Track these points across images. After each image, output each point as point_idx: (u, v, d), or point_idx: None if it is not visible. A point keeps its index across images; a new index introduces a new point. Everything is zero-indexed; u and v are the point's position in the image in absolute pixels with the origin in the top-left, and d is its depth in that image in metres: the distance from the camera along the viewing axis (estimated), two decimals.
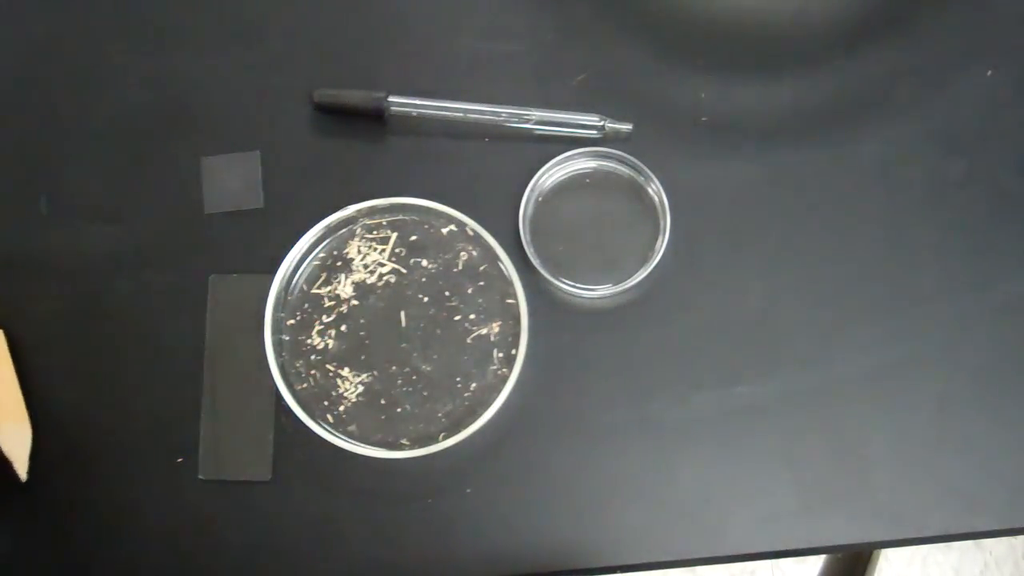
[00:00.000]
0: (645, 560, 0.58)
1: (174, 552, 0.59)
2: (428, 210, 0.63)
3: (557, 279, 0.62)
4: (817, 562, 1.14)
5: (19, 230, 0.65)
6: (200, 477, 0.60)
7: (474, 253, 0.63)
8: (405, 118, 0.65)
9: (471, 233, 0.63)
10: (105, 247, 0.65)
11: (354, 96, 0.65)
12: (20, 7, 0.70)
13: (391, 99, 0.65)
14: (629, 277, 0.62)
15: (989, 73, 0.67)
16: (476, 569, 0.58)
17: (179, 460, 0.61)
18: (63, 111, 0.68)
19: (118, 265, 0.64)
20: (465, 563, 0.59)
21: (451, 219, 0.63)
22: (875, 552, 1.09)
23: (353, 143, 0.66)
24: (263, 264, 0.63)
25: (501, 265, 0.62)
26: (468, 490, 0.60)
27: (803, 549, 0.58)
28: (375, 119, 0.65)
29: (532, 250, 0.62)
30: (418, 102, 0.65)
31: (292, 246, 0.62)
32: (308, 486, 0.60)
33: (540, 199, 0.65)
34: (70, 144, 0.67)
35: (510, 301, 0.62)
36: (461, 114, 0.65)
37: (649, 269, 0.62)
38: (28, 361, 0.62)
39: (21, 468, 0.60)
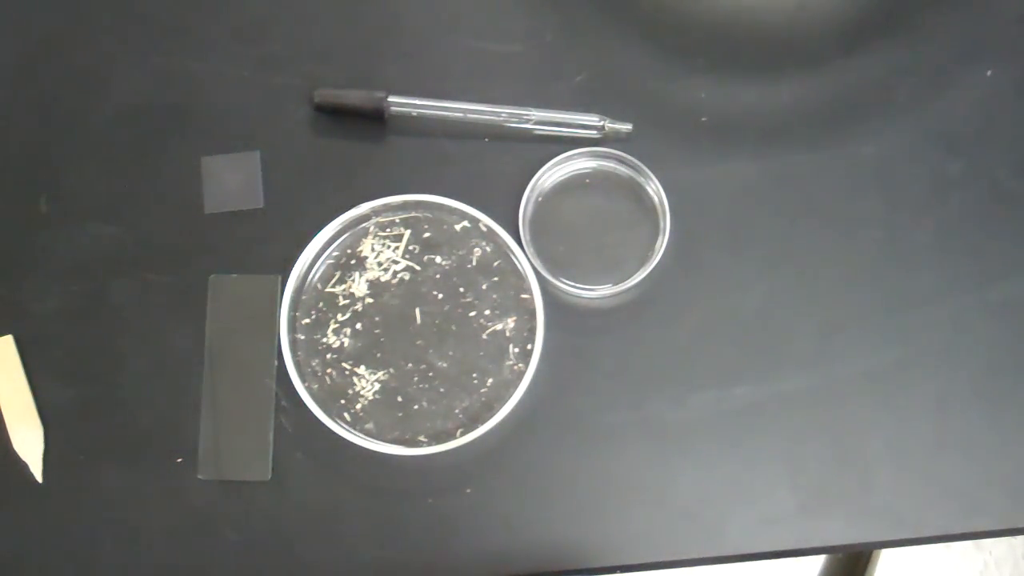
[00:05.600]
0: (645, 560, 0.58)
1: (174, 552, 0.59)
2: (441, 207, 0.63)
3: (557, 279, 0.62)
4: (817, 562, 1.13)
5: (19, 230, 0.65)
6: (200, 477, 0.60)
7: (487, 249, 0.63)
8: (405, 118, 0.65)
9: (484, 229, 0.63)
10: (105, 247, 0.65)
11: (354, 96, 0.65)
12: (20, 7, 0.70)
13: (391, 99, 0.65)
14: (629, 277, 0.62)
15: (989, 73, 0.67)
16: (476, 569, 0.58)
17: (179, 460, 0.61)
18: (63, 111, 0.68)
19: (118, 265, 0.64)
20: (465, 563, 0.59)
21: (464, 215, 0.63)
22: (875, 552, 1.09)
23: (353, 143, 0.66)
24: (263, 264, 0.63)
25: (515, 260, 0.62)
26: (468, 490, 0.60)
27: (803, 549, 0.58)
28: (375, 119, 0.65)
29: (532, 250, 0.62)
30: (418, 102, 0.65)
31: (294, 246, 0.62)
32: (307, 486, 0.60)
33: (540, 199, 0.65)
34: (70, 144, 0.67)
35: (524, 296, 0.62)
36: (461, 114, 0.65)
37: (649, 269, 0.62)
38: (27, 361, 0.62)
39: (36, 470, 0.60)
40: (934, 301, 0.62)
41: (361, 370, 0.61)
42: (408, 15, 0.69)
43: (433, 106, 0.65)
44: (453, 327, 0.62)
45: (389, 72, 0.67)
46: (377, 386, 0.61)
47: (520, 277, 0.62)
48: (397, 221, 0.64)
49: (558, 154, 0.64)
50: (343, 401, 0.61)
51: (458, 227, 0.64)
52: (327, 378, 0.61)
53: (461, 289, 0.62)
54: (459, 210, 0.63)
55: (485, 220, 0.63)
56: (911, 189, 0.64)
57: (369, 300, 0.62)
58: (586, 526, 0.59)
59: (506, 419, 0.59)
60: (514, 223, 0.63)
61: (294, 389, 0.60)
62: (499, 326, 0.62)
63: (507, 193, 0.64)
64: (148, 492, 0.60)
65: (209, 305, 0.63)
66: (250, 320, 0.62)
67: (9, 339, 0.62)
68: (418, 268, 0.63)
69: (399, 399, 0.61)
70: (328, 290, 0.63)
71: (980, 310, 0.62)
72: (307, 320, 0.62)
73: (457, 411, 0.60)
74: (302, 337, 0.62)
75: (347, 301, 0.62)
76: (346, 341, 0.62)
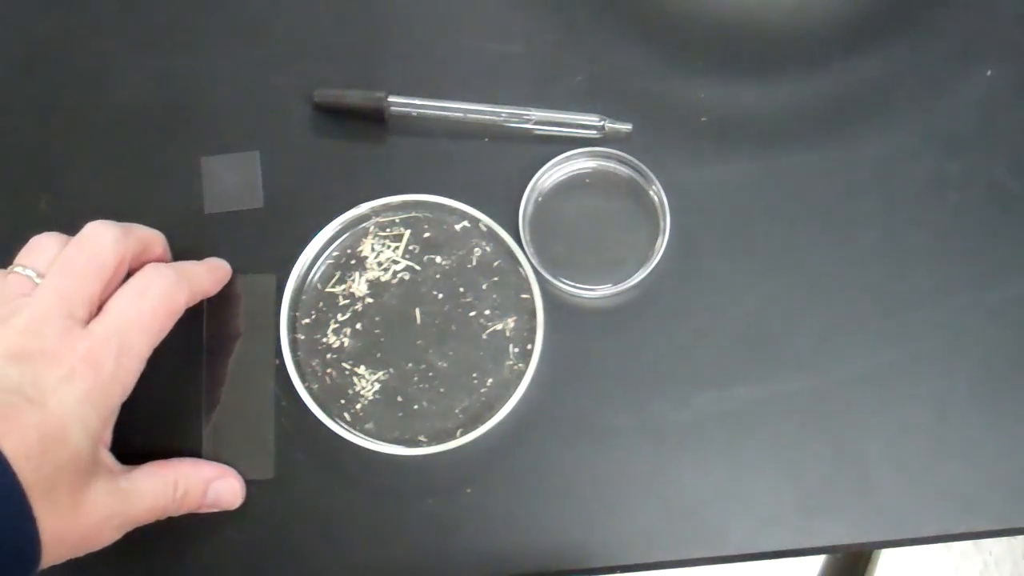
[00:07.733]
0: (645, 560, 0.58)
1: (175, 552, 0.59)
2: (441, 206, 0.63)
3: (557, 279, 0.62)
4: (817, 562, 1.14)
5: (19, 230, 0.65)
6: None
7: (488, 249, 0.63)
8: (405, 118, 0.65)
9: (484, 229, 0.63)
10: None
11: (354, 96, 0.65)
12: (20, 7, 0.70)
13: (391, 99, 0.65)
14: (629, 277, 0.62)
15: (989, 73, 0.67)
16: (476, 569, 0.58)
17: None
18: (63, 111, 0.68)
19: None
20: (465, 563, 0.59)
21: (464, 215, 0.63)
22: (875, 552, 1.09)
23: (353, 143, 0.66)
24: (263, 264, 0.63)
25: (515, 260, 0.62)
26: (468, 490, 0.60)
27: (803, 549, 0.58)
28: (375, 119, 0.65)
29: (532, 250, 0.62)
30: (418, 102, 0.65)
31: (294, 246, 0.62)
32: (308, 486, 0.60)
33: (540, 199, 0.65)
34: (70, 144, 0.67)
35: (524, 296, 0.62)
36: (461, 114, 0.65)
37: (649, 269, 0.62)
38: None
39: None
40: (934, 301, 0.62)
41: (361, 370, 0.61)
42: (408, 15, 0.69)
43: (433, 106, 0.65)
44: (453, 327, 0.62)
45: (389, 72, 0.67)
46: (377, 386, 0.61)
47: (520, 277, 0.62)
48: (397, 221, 0.64)
49: (558, 154, 0.64)
50: (343, 401, 0.61)
51: (458, 227, 0.64)
52: (327, 378, 0.61)
53: (461, 289, 0.62)
54: (459, 210, 0.63)
55: (485, 220, 0.63)
56: (911, 189, 0.65)
57: (369, 300, 0.62)
58: (586, 526, 0.59)
59: (506, 419, 0.59)
60: (514, 223, 0.63)
61: (294, 389, 0.60)
62: (499, 326, 0.62)
63: (507, 193, 0.64)
64: None
65: (208, 305, 0.63)
66: (250, 320, 0.62)
67: None
68: (418, 268, 0.63)
69: (399, 399, 0.61)
70: (328, 290, 0.63)
71: (980, 311, 0.62)
72: (307, 320, 0.62)
73: (457, 411, 0.60)
74: (302, 337, 0.62)
75: (347, 301, 0.62)
76: (346, 341, 0.62)
